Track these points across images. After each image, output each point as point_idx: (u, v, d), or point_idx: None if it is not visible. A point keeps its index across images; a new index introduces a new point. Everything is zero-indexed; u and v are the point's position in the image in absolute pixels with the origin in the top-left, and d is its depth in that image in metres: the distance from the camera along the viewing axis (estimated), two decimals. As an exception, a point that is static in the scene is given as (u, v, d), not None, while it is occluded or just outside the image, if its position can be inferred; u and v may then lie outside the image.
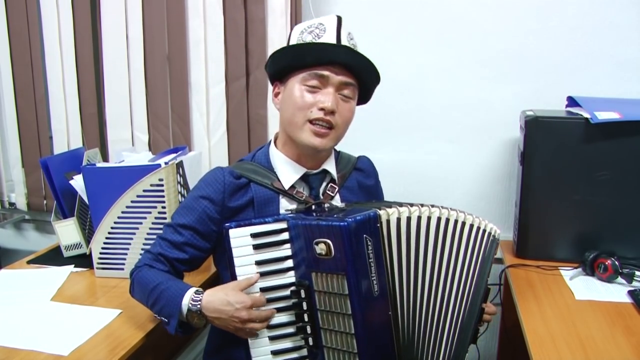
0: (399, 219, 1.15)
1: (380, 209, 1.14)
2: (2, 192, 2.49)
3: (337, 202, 1.34)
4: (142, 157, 1.74)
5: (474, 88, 1.95)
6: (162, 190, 1.53)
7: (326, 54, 1.22)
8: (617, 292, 1.49)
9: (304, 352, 1.20)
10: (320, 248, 1.11)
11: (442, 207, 1.21)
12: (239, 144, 2.08)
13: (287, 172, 1.30)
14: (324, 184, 1.33)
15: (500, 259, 1.88)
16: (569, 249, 1.69)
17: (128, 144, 2.19)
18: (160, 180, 1.53)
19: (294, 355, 1.20)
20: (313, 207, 1.26)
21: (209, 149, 2.11)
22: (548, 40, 1.87)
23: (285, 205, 1.28)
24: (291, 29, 1.97)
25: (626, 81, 1.83)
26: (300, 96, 1.23)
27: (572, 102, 1.78)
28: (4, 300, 1.48)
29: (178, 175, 1.62)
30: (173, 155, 1.71)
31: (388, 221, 1.14)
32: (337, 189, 1.33)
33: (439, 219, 1.19)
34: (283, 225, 1.19)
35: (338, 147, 1.41)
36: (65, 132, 2.27)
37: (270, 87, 2.01)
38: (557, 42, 1.86)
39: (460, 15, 1.92)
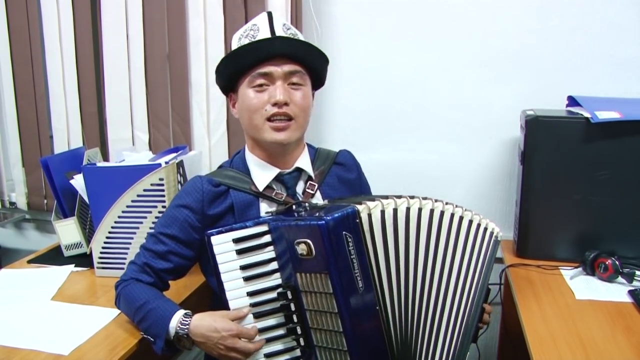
0: (382, 212, 1.13)
1: (360, 204, 1.13)
2: (2, 192, 2.49)
3: (318, 199, 1.33)
4: (142, 156, 1.74)
5: (474, 88, 1.95)
6: (163, 190, 1.53)
7: (262, 49, 1.22)
8: (617, 292, 1.49)
9: (297, 352, 1.19)
10: (301, 248, 1.11)
11: (436, 200, 1.20)
12: (239, 143, 2.07)
13: (260, 174, 1.30)
14: (301, 183, 1.33)
15: (500, 259, 1.88)
16: (569, 248, 1.68)
17: (128, 143, 2.19)
18: (161, 179, 1.53)
19: (287, 356, 1.20)
20: (294, 207, 1.26)
21: (210, 149, 2.11)
22: (548, 40, 1.87)
23: (266, 208, 1.28)
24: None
25: (626, 81, 1.83)
26: (252, 98, 1.24)
27: (572, 101, 1.78)
28: (4, 299, 1.48)
29: (178, 175, 1.62)
30: (173, 154, 1.72)
31: (370, 215, 1.12)
32: (316, 187, 1.33)
33: (431, 211, 1.17)
34: (264, 228, 1.19)
35: (331, 144, 1.41)
36: (66, 132, 2.27)
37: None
38: (557, 41, 1.86)
39: (460, 15, 1.92)
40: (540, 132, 1.63)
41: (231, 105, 1.34)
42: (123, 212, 1.56)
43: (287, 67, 1.23)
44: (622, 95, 1.81)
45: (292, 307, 1.16)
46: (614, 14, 1.80)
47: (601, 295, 1.48)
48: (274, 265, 1.19)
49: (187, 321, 1.17)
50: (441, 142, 2.02)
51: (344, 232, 1.09)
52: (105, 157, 2.18)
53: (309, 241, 1.09)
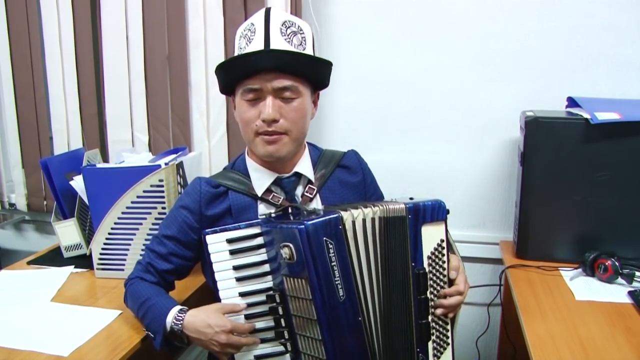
0: (364, 220, 1.13)
1: (346, 210, 1.11)
2: (2, 193, 2.49)
3: (317, 203, 1.31)
4: (142, 157, 1.74)
5: (474, 88, 1.95)
6: (162, 191, 1.53)
7: (249, 65, 1.17)
8: (617, 293, 1.49)
9: (287, 357, 1.19)
10: (285, 252, 1.10)
11: (394, 201, 1.18)
12: (239, 144, 2.08)
13: (259, 178, 1.29)
14: (300, 186, 1.31)
15: (500, 260, 1.88)
16: (569, 249, 1.68)
17: (128, 144, 2.20)
18: (161, 180, 1.53)
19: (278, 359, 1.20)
20: (289, 210, 1.25)
21: (209, 150, 2.11)
22: (548, 41, 1.87)
23: (263, 211, 1.28)
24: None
25: (626, 82, 1.83)
26: (243, 111, 1.22)
27: (572, 102, 1.78)
28: (4, 300, 1.48)
29: (178, 176, 1.62)
30: (173, 155, 1.72)
31: (353, 222, 1.11)
32: (315, 191, 1.31)
33: (385, 219, 1.15)
34: (257, 230, 1.19)
35: (330, 145, 1.41)
36: (66, 133, 2.27)
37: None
38: (557, 42, 1.86)
39: (460, 16, 1.92)
40: (540, 133, 1.63)
41: (232, 107, 1.32)
42: (123, 213, 1.56)
43: (277, 83, 1.18)
44: (622, 96, 1.81)
45: (280, 311, 1.16)
46: (613, 15, 1.81)
47: (601, 296, 1.48)
48: (266, 267, 1.19)
49: (181, 316, 1.18)
50: (441, 143, 2.02)
51: (324, 238, 1.08)
52: (105, 159, 2.18)
53: (291, 245, 1.09)
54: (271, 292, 1.17)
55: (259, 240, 1.19)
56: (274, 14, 1.19)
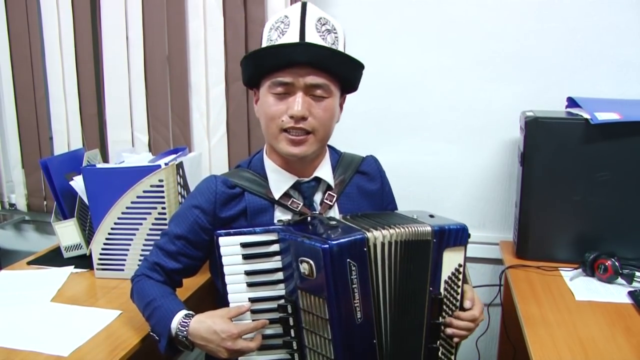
0: (389, 243, 1.10)
1: (371, 230, 1.08)
2: (2, 193, 2.49)
3: (335, 211, 1.27)
4: (142, 158, 1.74)
5: (474, 89, 1.95)
6: (162, 191, 1.53)
7: (284, 56, 1.12)
8: (617, 293, 1.49)
9: None
10: (304, 267, 1.06)
11: (417, 220, 1.16)
12: (239, 145, 2.08)
13: (278, 181, 1.24)
14: (320, 192, 1.27)
15: (500, 260, 1.88)
16: (569, 249, 1.68)
17: (128, 144, 2.20)
18: (160, 181, 1.53)
19: None
20: (308, 219, 1.20)
21: (209, 150, 2.11)
22: (548, 41, 1.87)
23: (279, 216, 1.23)
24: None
25: (626, 82, 1.83)
26: (270, 105, 1.16)
27: (572, 102, 1.78)
28: (4, 301, 1.48)
29: (178, 176, 1.62)
30: (173, 156, 1.72)
31: (375, 245, 1.08)
32: (335, 198, 1.26)
33: (408, 243, 1.12)
34: (273, 236, 1.14)
35: (342, 147, 1.40)
36: (66, 133, 2.27)
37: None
38: (557, 43, 1.86)
39: (460, 16, 1.92)
40: (540, 133, 1.63)
41: (254, 101, 1.26)
42: (123, 213, 1.56)
43: (310, 79, 1.13)
44: (622, 97, 1.81)
45: (291, 322, 1.13)
46: (613, 15, 1.81)
47: (601, 297, 1.48)
48: (279, 275, 1.15)
49: (186, 322, 1.15)
50: (441, 143, 2.02)
51: (348, 260, 1.04)
52: (105, 159, 2.18)
53: (311, 262, 1.05)
54: (283, 302, 1.14)
55: (275, 247, 1.14)
56: (310, 9, 1.14)
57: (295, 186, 1.24)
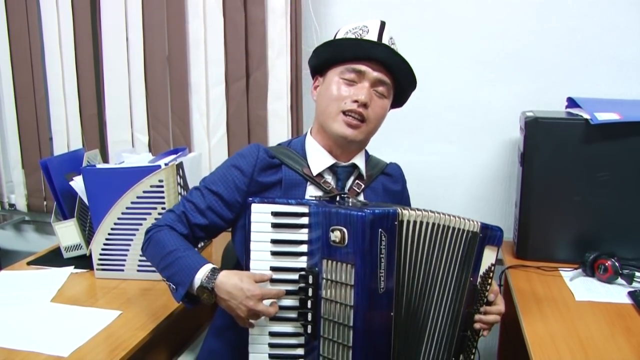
0: (415, 222, 1.15)
1: (402, 210, 1.14)
2: (2, 194, 2.49)
3: (360, 199, 1.35)
4: (142, 158, 1.74)
5: (474, 89, 1.96)
6: (162, 192, 1.53)
7: (365, 49, 1.26)
8: (617, 293, 1.49)
9: (302, 339, 1.19)
10: (335, 235, 1.12)
11: (435, 212, 1.20)
12: (239, 145, 2.08)
13: (318, 159, 1.32)
14: (352, 179, 1.35)
15: (500, 260, 1.88)
16: (569, 249, 1.69)
17: (128, 145, 2.20)
18: (160, 181, 1.53)
19: (292, 341, 1.20)
20: (337, 197, 1.27)
21: (209, 150, 2.11)
22: (548, 41, 1.87)
23: (311, 192, 1.30)
24: (291, 30, 1.98)
25: (626, 82, 1.83)
26: (336, 88, 1.27)
27: (572, 103, 1.78)
28: (4, 301, 1.48)
29: (178, 177, 1.62)
30: (173, 156, 1.72)
31: (408, 222, 1.15)
32: (363, 187, 1.35)
33: (434, 225, 1.18)
34: (305, 209, 1.19)
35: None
36: (65, 134, 2.27)
37: (270, 87, 2.04)
38: (557, 43, 1.86)
39: (460, 17, 1.92)
40: (539, 134, 1.63)
41: (313, 88, 1.36)
42: (123, 213, 1.56)
43: (380, 75, 1.27)
44: (622, 97, 1.81)
45: (310, 292, 1.16)
46: (613, 15, 1.81)
47: (601, 297, 1.48)
48: (304, 248, 1.19)
49: (214, 275, 1.18)
50: (441, 143, 2.02)
51: (380, 230, 1.11)
52: (105, 159, 2.18)
53: (344, 229, 1.11)
54: (304, 273, 1.18)
55: (304, 220, 1.19)
56: (387, 26, 1.32)
57: (332, 168, 1.32)
